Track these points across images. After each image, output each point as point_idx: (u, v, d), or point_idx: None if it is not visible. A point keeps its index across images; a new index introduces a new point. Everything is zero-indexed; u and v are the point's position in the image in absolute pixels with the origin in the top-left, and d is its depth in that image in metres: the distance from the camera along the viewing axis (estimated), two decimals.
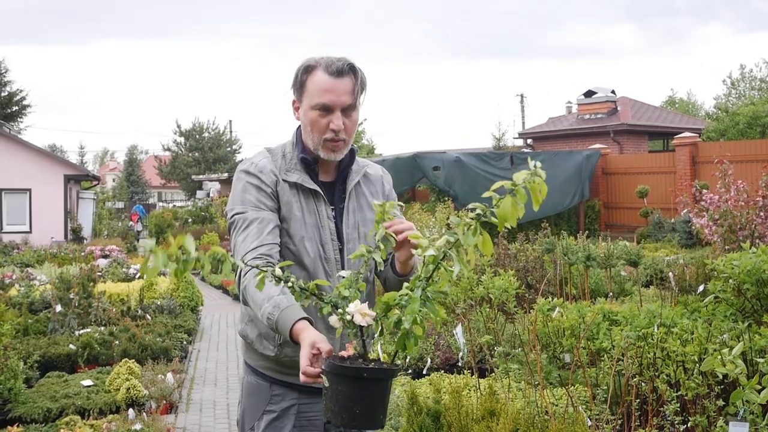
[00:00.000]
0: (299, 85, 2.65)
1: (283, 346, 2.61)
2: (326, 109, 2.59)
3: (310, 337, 2.20)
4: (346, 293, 2.13)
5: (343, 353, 2.12)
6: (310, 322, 2.30)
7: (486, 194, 1.88)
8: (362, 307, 2.06)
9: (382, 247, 2.24)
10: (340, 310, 2.09)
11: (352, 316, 2.06)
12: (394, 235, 2.29)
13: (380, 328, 2.07)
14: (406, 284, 2.08)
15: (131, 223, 38.04)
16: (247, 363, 2.80)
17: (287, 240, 2.63)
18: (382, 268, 2.27)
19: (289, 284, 2.12)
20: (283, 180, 2.66)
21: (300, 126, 2.72)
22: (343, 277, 2.20)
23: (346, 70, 2.59)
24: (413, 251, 2.36)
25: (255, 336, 2.68)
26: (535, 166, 1.82)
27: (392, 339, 2.08)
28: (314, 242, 2.64)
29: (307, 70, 2.63)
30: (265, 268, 2.10)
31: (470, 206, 1.96)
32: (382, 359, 2.19)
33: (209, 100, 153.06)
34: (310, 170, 2.69)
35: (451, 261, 2.00)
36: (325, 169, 2.73)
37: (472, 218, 1.93)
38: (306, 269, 2.62)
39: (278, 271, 2.11)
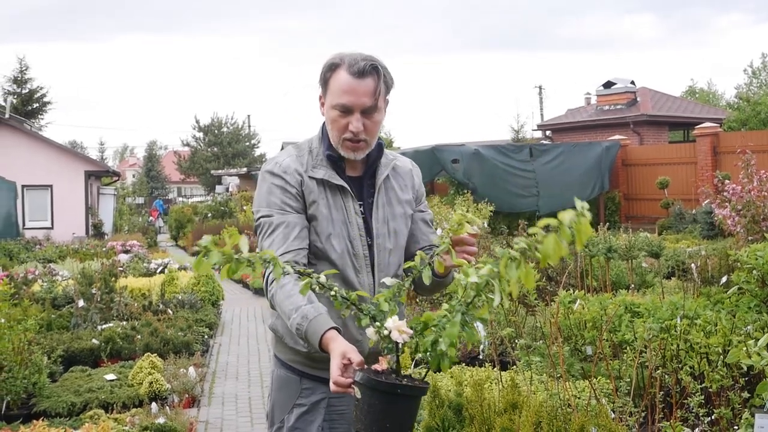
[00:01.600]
0: (324, 81, 2.63)
1: None
2: (346, 110, 2.57)
3: (339, 347, 2.21)
4: (386, 307, 2.13)
5: (377, 367, 2.15)
6: (338, 331, 2.31)
7: (532, 230, 1.89)
8: (400, 324, 2.08)
9: (435, 262, 2.26)
10: (377, 323, 2.11)
11: (390, 332, 2.07)
12: (453, 251, 2.33)
13: (415, 345, 2.09)
14: (445, 306, 2.09)
15: (151, 218, 38.24)
16: (277, 356, 2.79)
17: (315, 238, 2.62)
18: (428, 283, 2.28)
19: (332, 293, 2.14)
20: (309, 177, 2.63)
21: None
22: (387, 286, 2.20)
23: (369, 70, 2.55)
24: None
25: (285, 330, 2.66)
26: (582, 207, 1.82)
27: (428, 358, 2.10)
28: (342, 238, 2.62)
29: (331, 68, 2.59)
30: (308, 273, 2.11)
31: (516, 241, 1.97)
32: (408, 367, 2.21)
33: (228, 95, 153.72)
34: (336, 166, 2.66)
35: (493, 289, 2.01)
36: (353, 164, 2.70)
37: (517, 251, 1.94)
38: (334, 265, 2.60)
39: (323, 278, 2.13)
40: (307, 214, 2.62)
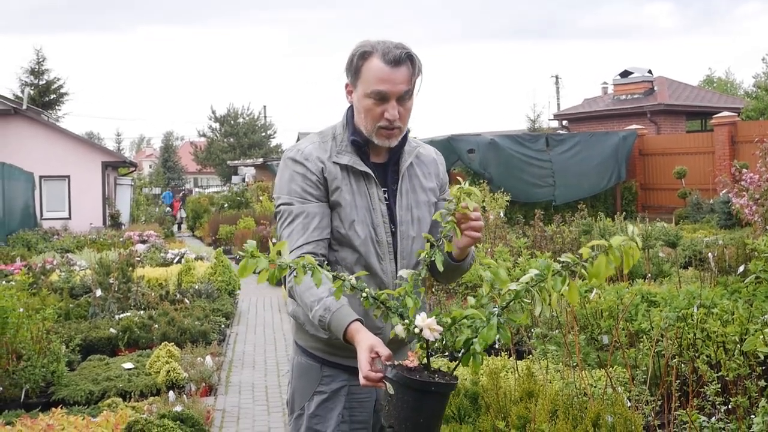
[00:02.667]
0: (354, 70, 2.60)
1: None
2: (382, 98, 2.55)
3: (366, 341, 2.22)
4: (411, 302, 2.15)
5: (408, 363, 2.18)
6: (361, 322, 2.32)
7: (582, 250, 1.90)
8: (430, 322, 2.10)
9: (445, 245, 2.27)
10: (407, 321, 2.13)
11: (421, 330, 2.09)
12: (458, 230, 2.33)
13: (444, 341, 2.12)
14: (472, 300, 2.09)
15: (168, 209, 38.34)
16: (297, 343, 2.78)
17: (338, 224, 2.61)
18: (441, 269, 2.30)
19: (364, 294, 2.17)
20: (333, 162, 2.62)
21: (350, 107, 2.69)
22: (404, 278, 2.21)
23: (404, 58, 2.55)
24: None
25: (306, 318, 2.63)
26: (632, 232, 1.83)
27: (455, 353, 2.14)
28: (365, 225, 2.62)
29: (363, 56, 2.57)
30: (342, 277, 2.14)
31: (562, 258, 1.97)
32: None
33: (244, 86, 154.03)
34: (361, 152, 2.65)
35: (530, 295, 2.03)
36: (377, 150, 2.69)
37: (561, 266, 1.95)
38: (358, 252, 2.61)
39: (353, 281, 2.16)
40: (329, 201, 2.62)
